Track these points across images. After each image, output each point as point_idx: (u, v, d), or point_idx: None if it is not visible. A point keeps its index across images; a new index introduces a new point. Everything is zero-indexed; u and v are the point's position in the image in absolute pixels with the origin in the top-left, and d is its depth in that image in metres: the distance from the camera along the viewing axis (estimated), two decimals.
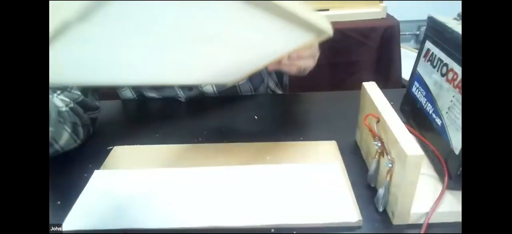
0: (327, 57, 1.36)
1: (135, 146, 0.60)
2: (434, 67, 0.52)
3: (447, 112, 0.47)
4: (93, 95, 0.67)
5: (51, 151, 0.55)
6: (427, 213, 0.43)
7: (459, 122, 0.44)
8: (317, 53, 0.50)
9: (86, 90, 0.65)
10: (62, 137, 0.56)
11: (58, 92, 0.60)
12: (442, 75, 0.49)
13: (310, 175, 0.52)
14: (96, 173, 0.53)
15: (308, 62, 0.51)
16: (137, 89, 0.76)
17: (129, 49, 0.30)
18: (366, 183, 0.50)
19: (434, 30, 0.53)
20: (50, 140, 0.54)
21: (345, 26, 1.37)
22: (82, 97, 0.63)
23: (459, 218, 0.44)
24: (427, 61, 0.54)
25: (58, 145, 0.56)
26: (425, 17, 0.56)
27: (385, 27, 1.37)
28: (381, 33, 1.37)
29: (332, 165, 0.54)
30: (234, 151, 0.58)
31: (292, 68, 0.50)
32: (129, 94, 0.79)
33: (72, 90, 0.62)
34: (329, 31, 0.39)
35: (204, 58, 0.39)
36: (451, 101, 0.46)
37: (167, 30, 0.28)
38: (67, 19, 0.20)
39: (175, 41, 0.31)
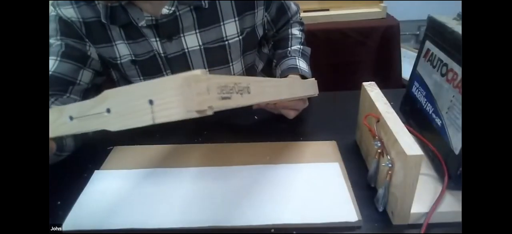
0: (327, 57, 1.35)
1: (135, 146, 0.60)
2: (434, 67, 0.52)
3: (447, 112, 0.47)
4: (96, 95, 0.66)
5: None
6: (427, 213, 0.43)
7: (459, 121, 0.44)
8: (306, 101, 0.65)
9: (88, 93, 0.64)
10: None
11: (52, 100, 0.58)
12: (442, 75, 0.49)
13: (310, 175, 0.52)
14: (96, 173, 0.54)
15: (300, 107, 0.64)
16: None
17: None
18: (366, 183, 0.50)
19: (434, 30, 0.53)
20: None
21: (345, 26, 1.37)
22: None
23: (459, 218, 0.44)
24: (427, 61, 0.54)
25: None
26: (425, 17, 0.56)
27: (385, 27, 1.37)
28: (381, 33, 1.37)
29: (332, 165, 0.54)
30: (234, 151, 0.58)
31: (290, 113, 0.63)
32: None
33: (71, 96, 0.61)
34: (316, 93, 0.61)
35: None
36: (451, 101, 0.46)
37: None
38: None
39: None
